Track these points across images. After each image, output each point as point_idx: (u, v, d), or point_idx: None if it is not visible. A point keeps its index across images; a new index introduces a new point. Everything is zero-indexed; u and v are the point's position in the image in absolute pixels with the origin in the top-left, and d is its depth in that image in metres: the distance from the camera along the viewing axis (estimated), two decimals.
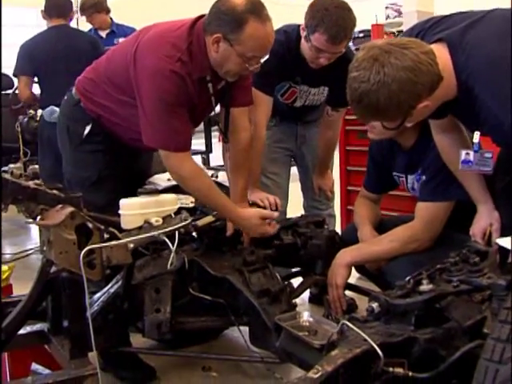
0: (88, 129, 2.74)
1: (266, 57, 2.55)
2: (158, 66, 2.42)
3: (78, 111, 2.78)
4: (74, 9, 5.49)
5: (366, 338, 1.67)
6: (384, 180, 2.99)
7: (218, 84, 2.64)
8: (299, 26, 3.05)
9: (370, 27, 10.44)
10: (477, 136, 2.24)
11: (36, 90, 5.12)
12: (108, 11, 6.21)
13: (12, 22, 13.88)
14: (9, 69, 5.07)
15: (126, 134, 2.75)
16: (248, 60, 2.47)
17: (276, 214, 2.75)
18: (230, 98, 2.71)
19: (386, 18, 13.37)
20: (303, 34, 2.96)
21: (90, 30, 6.27)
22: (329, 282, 2.67)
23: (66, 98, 2.90)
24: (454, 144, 2.42)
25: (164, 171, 2.84)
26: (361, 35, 10.95)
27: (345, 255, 2.68)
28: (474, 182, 2.42)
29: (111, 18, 6.27)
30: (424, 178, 2.68)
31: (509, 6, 2.18)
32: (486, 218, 2.39)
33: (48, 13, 5.08)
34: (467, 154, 2.30)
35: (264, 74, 2.74)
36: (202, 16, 2.56)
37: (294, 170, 3.74)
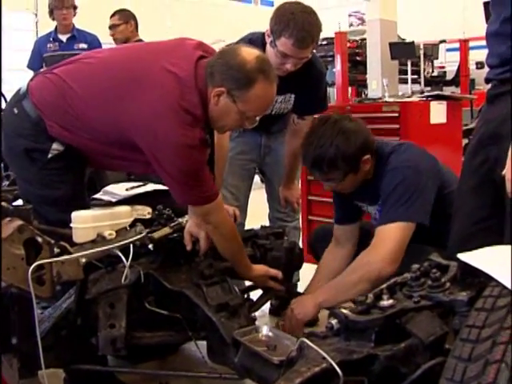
0: (55, 147, 2.46)
1: None
2: (186, 140, 2.24)
3: (39, 131, 2.45)
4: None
5: (325, 355, 1.62)
6: (348, 209, 2.93)
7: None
8: (263, 34, 3.01)
9: (333, 35, 10.47)
10: None
11: None
12: None
13: (8, 25, 13.60)
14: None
15: (94, 161, 2.58)
16: (247, 118, 2.36)
17: (280, 275, 2.69)
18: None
19: (350, 26, 13.49)
20: (268, 40, 2.92)
21: (50, 33, 6.15)
22: (289, 316, 2.59)
23: (15, 111, 2.50)
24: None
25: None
26: (324, 43, 10.99)
27: (312, 301, 2.59)
28: None
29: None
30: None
31: None
32: None
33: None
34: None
35: None
36: (199, 57, 2.37)
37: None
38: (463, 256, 1.65)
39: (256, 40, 3.02)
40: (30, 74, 6.14)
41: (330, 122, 2.65)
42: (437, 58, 12.11)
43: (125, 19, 5.43)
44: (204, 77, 2.31)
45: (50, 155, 2.47)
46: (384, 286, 1.83)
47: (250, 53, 2.33)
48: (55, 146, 2.46)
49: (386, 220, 2.55)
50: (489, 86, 2.27)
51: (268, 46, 2.93)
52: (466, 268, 1.69)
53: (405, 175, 2.56)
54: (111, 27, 5.64)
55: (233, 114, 2.33)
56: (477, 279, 1.70)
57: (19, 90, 2.57)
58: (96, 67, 2.52)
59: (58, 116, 2.45)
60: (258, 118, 2.43)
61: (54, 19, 6.06)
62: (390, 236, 2.51)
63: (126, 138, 2.35)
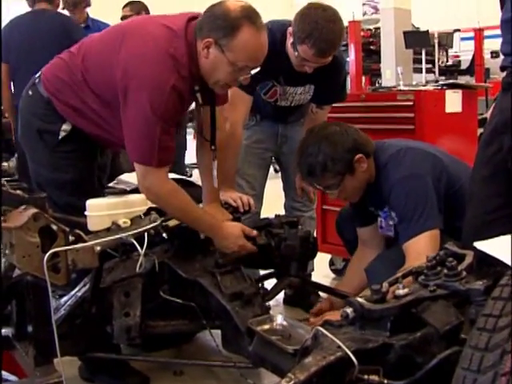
0: (64, 128, 2.54)
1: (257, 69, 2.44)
2: (159, 80, 2.27)
3: (50, 111, 2.55)
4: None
5: (340, 344, 1.61)
6: (365, 214, 2.92)
7: (206, 94, 2.52)
8: (284, 25, 2.98)
9: (347, 24, 10.39)
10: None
11: None
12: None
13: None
14: None
15: (102, 137, 2.60)
16: (239, 70, 2.36)
17: (255, 232, 2.64)
18: (214, 98, 2.60)
19: (363, 15, 13.37)
20: (290, 39, 2.89)
21: None
22: None
23: (30, 93, 2.63)
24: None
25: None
26: None
27: None
28: None
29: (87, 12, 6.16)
30: (394, 215, 2.67)
31: None
32: None
33: None
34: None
35: None
36: (192, 17, 2.42)
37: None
38: (479, 244, 1.63)
39: (276, 30, 2.96)
40: None
41: (315, 131, 2.73)
42: (451, 47, 11.99)
43: (136, 10, 5.37)
44: (194, 32, 2.36)
45: (59, 137, 2.55)
46: (399, 274, 1.83)
47: (235, 3, 2.36)
48: (64, 126, 2.55)
49: (412, 234, 2.52)
50: (504, 74, 2.24)
51: (289, 44, 2.91)
52: (482, 257, 1.67)
53: (410, 187, 2.57)
54: (123, 18, 5.61)
55: (224, 65, 2.34)
56: (493, 268, 1.69)
57: (35, 75, 2.66)
58: (100, 37, 2.62)
59: (64, 90, 2.53)
60: (252, 72, 2.42)
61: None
62: (423, 249, 2.44)
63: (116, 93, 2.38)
